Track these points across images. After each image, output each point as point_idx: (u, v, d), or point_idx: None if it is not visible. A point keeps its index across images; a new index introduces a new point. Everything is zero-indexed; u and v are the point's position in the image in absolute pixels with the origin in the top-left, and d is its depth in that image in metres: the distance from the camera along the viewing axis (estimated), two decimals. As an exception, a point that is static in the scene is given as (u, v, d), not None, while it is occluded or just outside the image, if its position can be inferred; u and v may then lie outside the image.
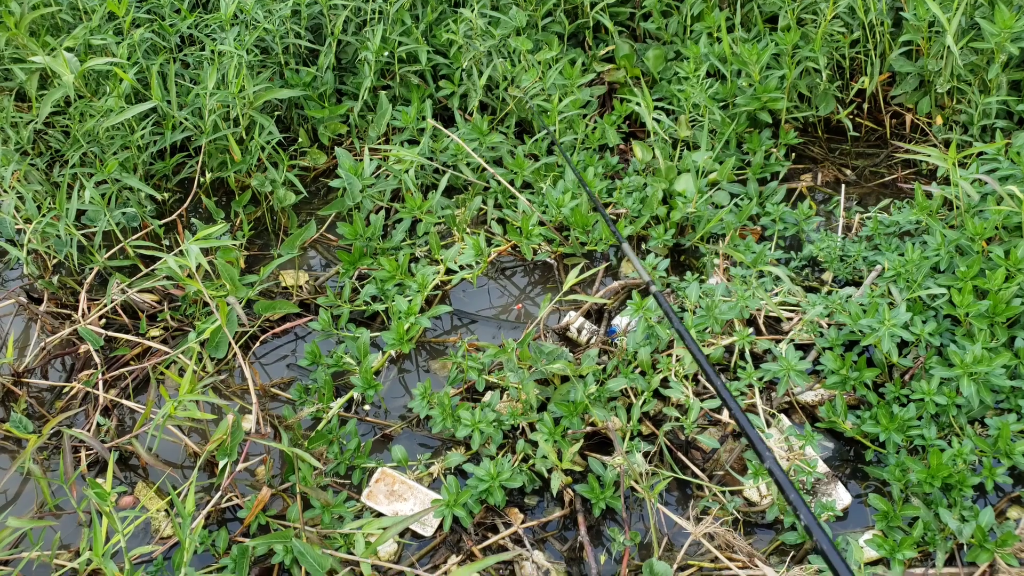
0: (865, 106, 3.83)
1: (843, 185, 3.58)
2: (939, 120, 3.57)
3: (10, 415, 2.90)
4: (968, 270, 2.75)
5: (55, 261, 3.38)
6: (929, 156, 2.98)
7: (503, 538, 2.54)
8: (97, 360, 3.03)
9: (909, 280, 2.85)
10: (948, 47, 3.27)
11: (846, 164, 3.73)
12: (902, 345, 2.82)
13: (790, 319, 2.97)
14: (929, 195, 3.20)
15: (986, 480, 2.46)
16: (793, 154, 3.74)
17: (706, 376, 1.92)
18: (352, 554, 2.38)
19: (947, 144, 3.55)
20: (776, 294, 2.98)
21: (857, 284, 3.10)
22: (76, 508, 2.62)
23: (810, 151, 3.79)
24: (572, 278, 2.87)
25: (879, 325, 2.66)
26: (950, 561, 2.41)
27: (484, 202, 3.52)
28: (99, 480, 2.67)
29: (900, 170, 3.65)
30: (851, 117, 3.75)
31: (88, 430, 2.83)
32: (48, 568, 2.51)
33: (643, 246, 3.37)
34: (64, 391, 3.00)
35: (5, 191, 3.15)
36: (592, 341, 3.01)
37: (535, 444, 2.69)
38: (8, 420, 2.86)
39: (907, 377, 2.74)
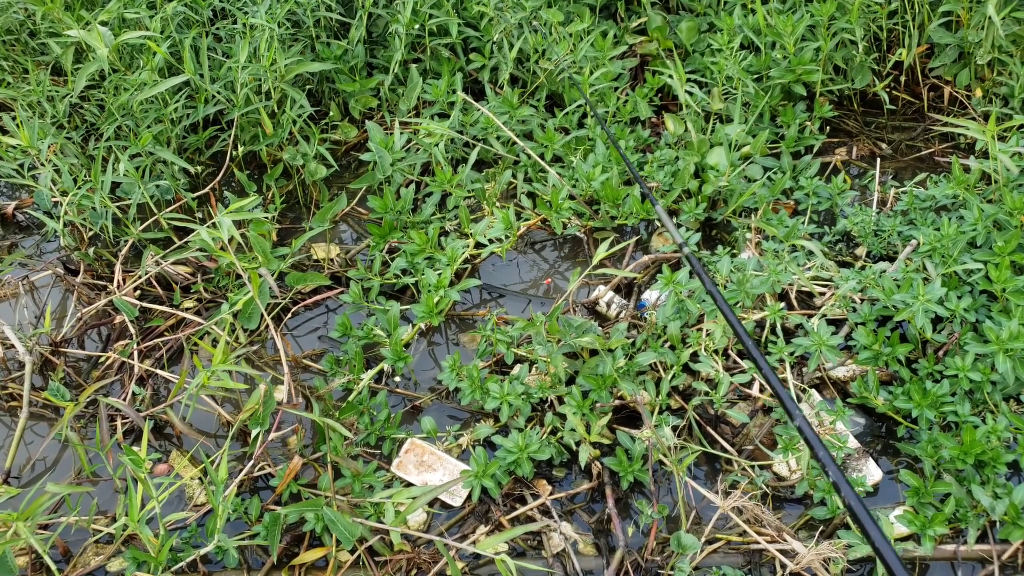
0: (902, 79, 3.76)
1: (878, 159, 3.53)
2: (978, 93, 3.50)
3: (48, 383, 2.96)
4: (1006, 245, 2.71)
5: (91, 233, 3.43)
6: (967, 129, 2.93)
7: (531, 509, 2.55)
8: (132, 331, 3.08)
9: (945, 255, 2.81)
10: (989, 17, 3.20)
11: (882, 138, 3.67)
12: (936, 321, 2.79)
13: (822, 294, 2.94)
14: (967, 169, 3.14)
15: (1020, 458, 2.43)
16: (828, 127, 3.68)
17: (732, 327, 1.90)
18: (382, 523, 2.41)
19: (986, 117, 3.48)
20: (809, 268, 2.95)
21: (891, 259, 3.06)
22: (112, 475, 2.68)
23: (845, 124, 3.73)
24: (602, 252, 2.86)
25: (913, 300, 2.62)
26: (982, 538, 2.39)
27: (514, 176, 3.51)
28: (134, 448, 2.72)
29: (937, 144, 3.59)
30: (888, 90, 3.68)
31: (124, 399, 2.88)
32: (86, 532, 2.57)
33: (674, 220, 3.34)
34: (100, 361, 3.06)
35: (42, 164, 3.19)
36: (621, 315, 3.00)
37: (563, 417, 2.70)
38: (46, 388, 2.92)
39: (941, 353, 2.70)
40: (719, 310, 1.93)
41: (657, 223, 3.37)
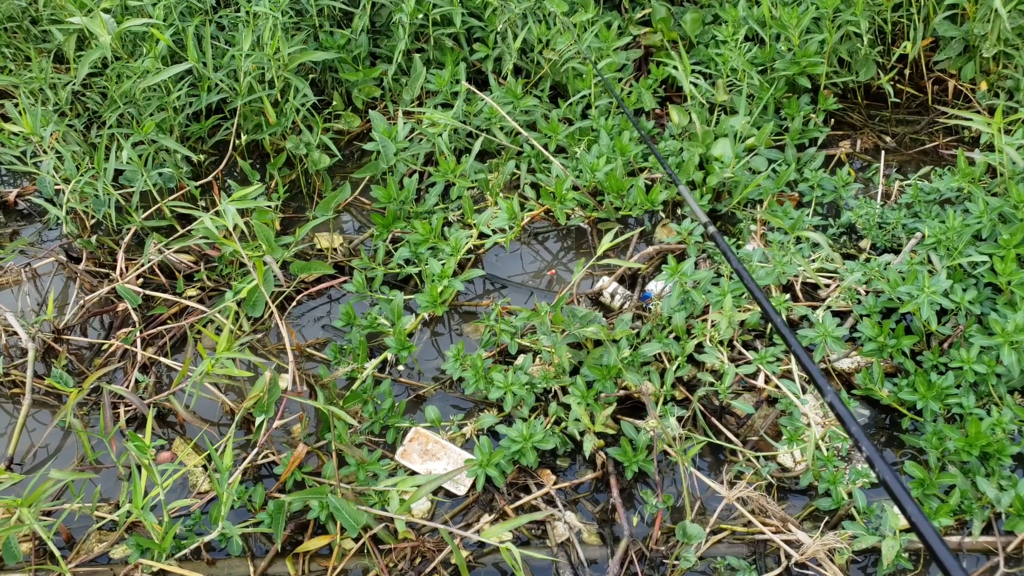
0: (907, 72, 3.76)
1: (883, 152, 3.53)
2: (983, 86, 3.50)
3: (51, 371, 2.95)
4: (1011, 238, 2.71)
5: (93, 221, 3.42)
6: (971, 121, 2.92)
7: (535, 498, 2.55)
8: (135, 318, 3.07)
9: (950, 247, 2.80)
10: (995, 10, 3.19)
11: (886, 131, 3.67)
12: (941, 313, 2.79)
13: (827, 286, 2.94)
14: (972, 162, 3.14)
15: (1026, 449, 2.43)
16: (832, 120, 3.68)
17: (757, 301, 1.90)
18: (386, 511, 2.41)
19: (991, 110, 3.47)
20: (814, 260, 2.94)
21: (896, 251, 3.05)
22: (116, 462, 2.67)
23: (849, 117, 3.73)
24: (606, 243, 2.85)
25: (918, 292, 2.62)
26: (987, 530, 2.39)
27: (517, 166, 3.51)
28: (138, 435, 2.71)
29: (941, 137, 3.59)
30: (892, 83, 3.68)
31: (127, 387, 2.87)
32: (89, 519, 2.56)
33: (678, 211, 3.34)
34: (103, 348, 3.05)
35: (44, 151, 3.18)
36: (626, 306, 3.00)
37: (568, 407, 2.70)
38: (49, 376, 2.91)
39: (946, 345, 2.71)
40: (747, 287, 1.92)
41: (662, 214, 3.36)
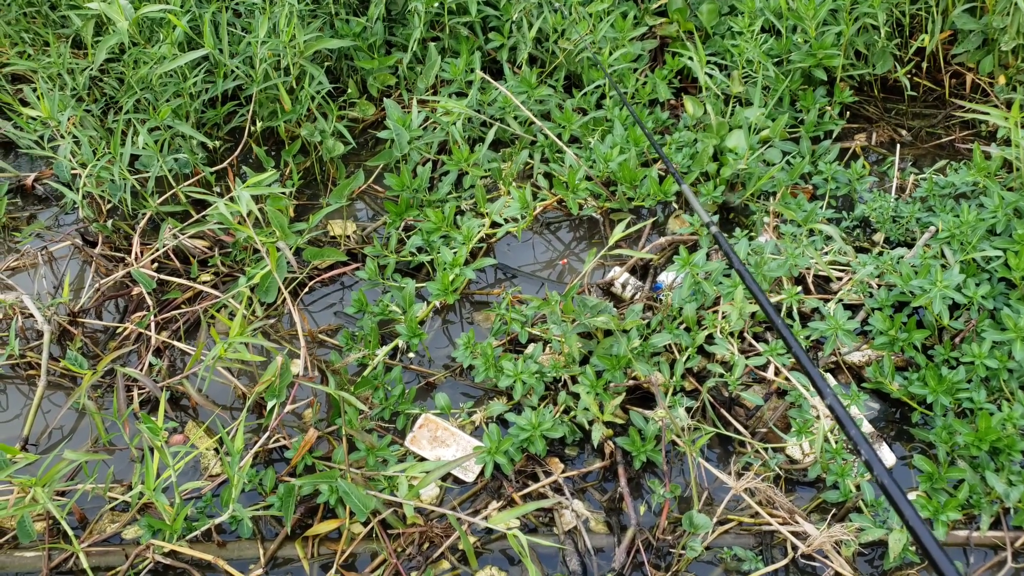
0: (924, 65, 3.73)
1: (898, 145, 3.51)
2: (1002, 80, 3.47)
3: (66, 353, 2.98)
4: (1026, 232, 2.69)
5: (109, 205, 3.45)
6: (989, 115, 2.90)
7: (543, 486, 2.56)
8: (149, 302, 3.10)
9: (963, 242, 2.79)
10: (1015, 3, 3.16)
11: (902, 124, 3.64)
12: (953, 307, 2.78)
13: (840, 279, 2.93)
14: (988, 156, 3.12)
15: (1036, 445, 2.42)
16: (847, 113, 3.66)
17: (760, 305, 1.90)
18: (395, 496, 2.42)
19: (1009, 105, 3.45)
20: (826, 253, 2.94)
21: (909, 245, 3.04)
22: (129, 444, 2.70)
23: (865, 110, 3.71)
24: (618, 232, 2.85)
25: (931, 286, 2.61)
26: (995, 525, 2.39)
27: (531, 156, 3.51)
28: (151, 417, 2.73)
29: (958, 131, 3.56)
30: (909, 76, 3.66)
31: (141, 370, 2.89)
32: (102, 500, 2.59)
33: (691, 203, 3.34)
34: (117, 332, 3.08)
35: (62, 136, 3.20)
36: (637, 296, 3.00)
37: (577, 396, 2.70)
38: (64, 358, 2.94)
39: (957, 340, 2.69)
40: (748, 289, 1.92)
41: (675, 205, 3.36)
